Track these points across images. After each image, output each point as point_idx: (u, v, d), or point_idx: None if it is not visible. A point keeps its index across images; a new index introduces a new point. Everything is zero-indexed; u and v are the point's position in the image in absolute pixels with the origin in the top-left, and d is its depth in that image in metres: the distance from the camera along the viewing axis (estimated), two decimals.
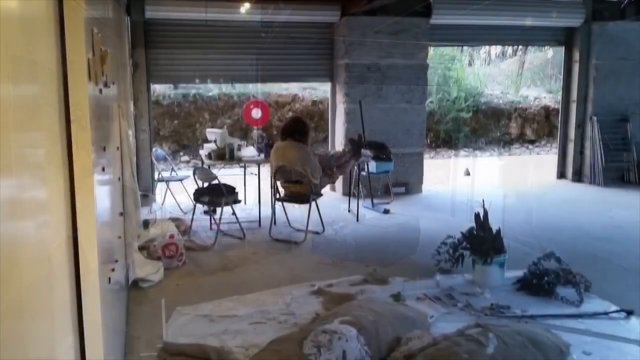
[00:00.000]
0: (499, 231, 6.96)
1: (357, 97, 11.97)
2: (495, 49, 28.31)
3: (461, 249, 7.11)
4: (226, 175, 11.56)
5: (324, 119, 18.04)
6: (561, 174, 14.49)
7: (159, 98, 18.42)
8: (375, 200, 11.46)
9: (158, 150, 12.23)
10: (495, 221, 7.17)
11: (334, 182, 11.00)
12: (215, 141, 10.34)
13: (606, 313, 6.08)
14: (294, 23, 12.21)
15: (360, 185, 11.26)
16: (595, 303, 6.35)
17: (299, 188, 9.33)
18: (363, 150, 10.54)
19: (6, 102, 1.69)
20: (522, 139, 22.11)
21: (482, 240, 6.92)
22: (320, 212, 9.49)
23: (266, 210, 10.06)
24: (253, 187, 10.88)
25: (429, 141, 20.25)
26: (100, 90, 3.62)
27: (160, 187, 11.84)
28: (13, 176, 1.76)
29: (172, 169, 12.25)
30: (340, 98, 12.46)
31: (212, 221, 9.70)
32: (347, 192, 11.49)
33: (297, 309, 6.21)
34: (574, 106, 13.98)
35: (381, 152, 11.40)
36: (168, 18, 11.58)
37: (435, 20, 12.37)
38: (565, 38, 14.05)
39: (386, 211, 10.93)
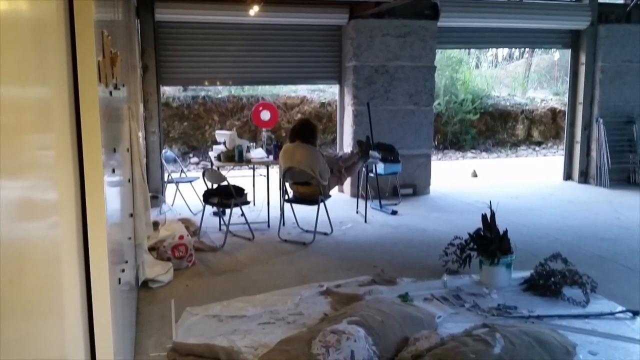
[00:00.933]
0: (505, 232, 6.94)
1: (365, 99, 11.98)
2: (502, 52, 28.37)
3: (468, 249, 7.10)
4: (235, 176, 11.58)
5: (332, 121, 18.10)
6: (567, 176, 14.48)
7: (168, 100, 18.48)
8: (383, 202, 11.47)
9: (168, 152, 12.23)
10: (502, 222, 7.16)
11: (342, 184, 10.99)
12: (224, 143, 10.34)
13: (612, 313, 6.06)
14: (303, 25, 12.25)
15: (368, 187, 11.25)
16: (601, 303, 6.33)
17: (307, 189, 9.33)
18: (371, 152, 10.55)
19: (17, 104, 1.69)
20: (528, 141, 22.12)
21: (489, 241, 6.90)
22: (329, 213, 9.49)
23: (275, 212, 10.06)
24: (262, 188, 10.89)
25: (436, 143, 20.26)
26: (111, 92, 3.62)
27: (170, 189, 11.87)
28: (24, 177, 1.75)
29: (182, 171, 12.27)
30: (348, 100, 12.46)
31: (222, 222, 9.71)
32: (356, 194, 11.49)
33: (306, 310, 6.21)
34: (581, 108, 13.96)
35: (389, 153, 11.39)
36: (178, 20, 11.60)
37: (443, 22, 12.37)
38: (571, 40, 14.03)
39: (394, 212, 10.93)
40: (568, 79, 14.57)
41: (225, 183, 8.98)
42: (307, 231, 9.52)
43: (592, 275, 6.65)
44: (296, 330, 5.48)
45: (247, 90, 19.77)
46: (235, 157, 9.88)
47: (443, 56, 21.21)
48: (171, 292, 6.81)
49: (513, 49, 27.52)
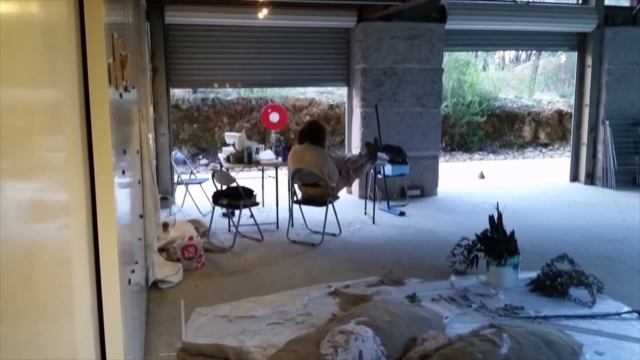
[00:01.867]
0: (512, 233, 6.93)
1: (373, 101, 11.98)
2: (509, 54, 28.32)
3: (475, 250, 7.09)
4: (244, 178, 11.59)
5: (341, 123, 18.11)
6: (574, 177, 14.45)
7: (178, 102, 18.52)
8: (391, 203, 11.45)
9: (177, 154, 12.24)
10: (509, 223, 7.15)
11: (350, 185, 10.97)
12: (233, 144, 10.34)
13: (618, 314, 6.04)
14: (311, 28, 12.25)
15: (376, 188, 11.25)
16: (607, 304, 6.32)
17: (316, 191, 9.32)
18: (379, 154, 10.53)
19: (28, 107, 1.69)
20: (535, 143, 22.09)
21: (496, 242, 6.89)
22: (337, 214, 9.48)
23: (284, 213, 10.07)
24: (271, 189, 10.90)
25: (444, 144, 20.25)
26: (121, 95, 3.62)
27: (179, 190, 11.88)
28: (35, 179, 1.75)
29: (191, 172, 12.27)
30: (356, 102, 12.45)
31: (231, 223, 9.70)
32: (364, 195, 11.48)
33: (314, 310, 6.20)
34: (587, 110, 13.94)
35: (397, 155, 11.39)
36: (187, 23, 11.60)
37: (450, 25, 12.36)
38: (578, 43, 14.01)
39: (402, 213, 10.91)
40: (574, 82, 14.54)
41: (234, 184, 8.98)
42: (315, 232, 9.51)
43: (598, 276, 6.63)
44: (305, 331, 5.47)
45: (256, 93, 19.80)
46: (244, 158, 9.88)
47: (450, 58, 21.18)
48: (181, 293, 6.81)
49: (520, 52, 27.48)
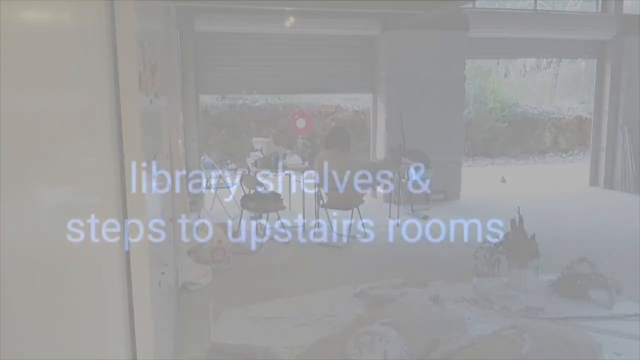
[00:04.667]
0: (533, 236, 6.89)
1: (397, 107, 11.95)
2: (530, 61, 28.16)
3: (497, 253, 7.05)
4: (272, 182, 11.59)
5: (366, 129, 18.05)
6: (593, 182, 14.36)
7: (207, 108, 18.53)
8: (414, 207, 11.41)
9: (206, 159, 12.26)
10: (530, 227, 7.10)
11: (375, 189, 10.94)
12: (261, 150, 10.35)
13: (637, 315, 6.01)
14: (337, 36, 12.25)
15: (400, 192, 11.22)
16: (625, 305, 6.27)
17: (341, 195, 9.30)
18: (403, 159, 10.50)
19: (61, 113, 1.69)
20: (556, 148, 21.99)
21: (517, 245, 6.85)
22: (362, 217, 9.47)
23: (310, 216, 10.06)
24: (297, 194, 10.90)
25: (466, 150, 20.18)
26: (151, 101, 3.62)
27: (208, 194, 11.89)
28: (68, 183, 1.75)
29: (220, 177, 12.29)
30: (381, 108, 12.44)
31: (258, 226, 9.71)
32: (388, 199, 11.45)
33: (340, 311, 6.18)
34: (606, 116, 13.87)
35: (421, 160, 11.35)
36: (216, 31, 11.64)
37: (473, 33, 12.31)
38: (597, 51, 13.92)
39: (425, 217, 10.87)
40: (594, 88, 14.47)
41: (262, 189, 8.99)
42: (341, 235, 9.50)
43: (616, 278, 6.59)
44: (331, 331, 5.46)
45: (283, 99, 19.81)
46: (271, 163, 9.89)
47: (473, 66, 21.13)
48: (210, 294, 6.83)
49: (541, 59, 27.34)
